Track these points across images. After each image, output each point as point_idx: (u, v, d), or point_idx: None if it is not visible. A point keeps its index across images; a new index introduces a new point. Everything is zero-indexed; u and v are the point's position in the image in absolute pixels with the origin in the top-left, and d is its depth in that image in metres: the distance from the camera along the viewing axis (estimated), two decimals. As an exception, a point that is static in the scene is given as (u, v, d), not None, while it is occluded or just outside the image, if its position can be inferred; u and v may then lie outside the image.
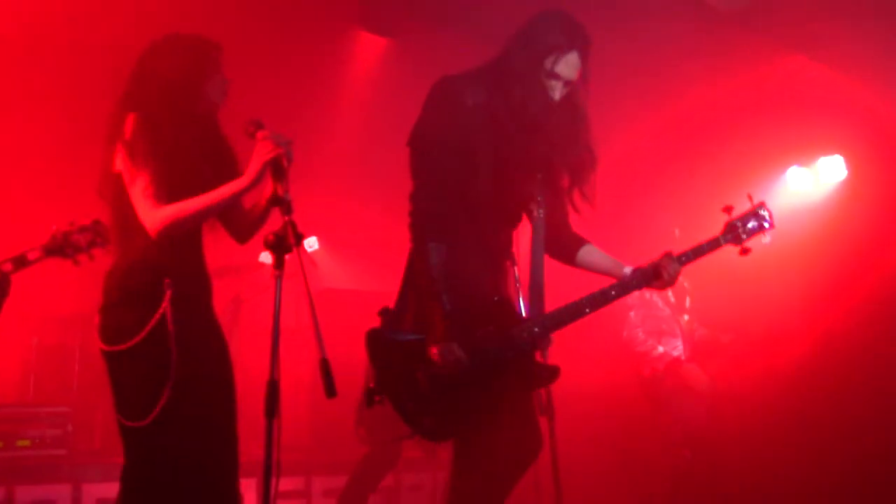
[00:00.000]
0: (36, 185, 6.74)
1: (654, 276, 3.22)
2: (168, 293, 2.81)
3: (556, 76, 3.14)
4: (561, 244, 3.42)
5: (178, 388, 2.79)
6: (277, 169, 2.71)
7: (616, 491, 6.00)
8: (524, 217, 3.35)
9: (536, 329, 3.11)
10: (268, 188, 2.86)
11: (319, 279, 7.73)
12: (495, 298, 3.15)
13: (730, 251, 3.36)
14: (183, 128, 2.94)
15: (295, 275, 2.52)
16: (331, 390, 2.30)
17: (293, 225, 2.49)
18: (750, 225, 3.35)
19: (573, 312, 3.15)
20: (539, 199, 3.28)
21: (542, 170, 3.28)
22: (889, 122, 6.14)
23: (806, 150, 6.67)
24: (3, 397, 6.25)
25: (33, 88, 6.36)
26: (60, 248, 2.80)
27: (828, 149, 6.61)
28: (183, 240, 2.92)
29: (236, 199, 2.84)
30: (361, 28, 6.02)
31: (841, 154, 6.56)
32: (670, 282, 3.22)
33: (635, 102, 6.66)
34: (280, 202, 2.58)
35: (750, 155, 6.64)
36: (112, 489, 5.19)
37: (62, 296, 6.12)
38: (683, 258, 3.26)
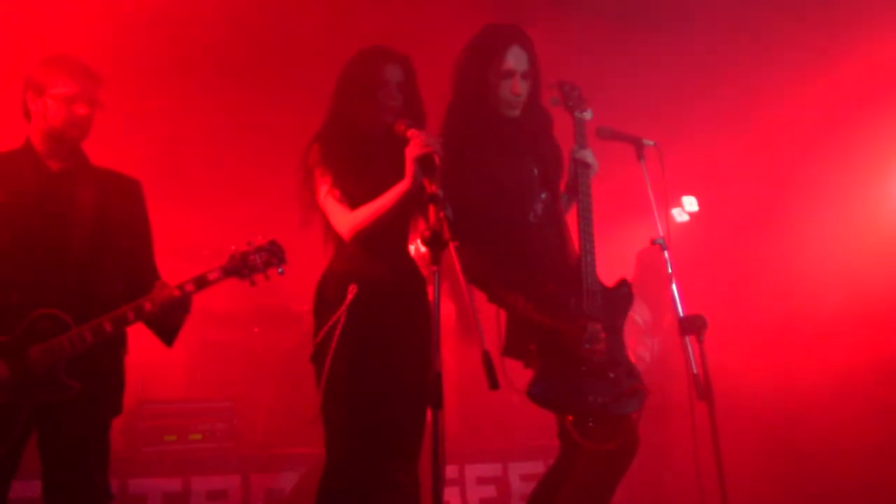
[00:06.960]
0: (217, 204, 7.07)
1: None
2: (348, 300, 3.04)
3: (509, 71, 3.30)
4: None
5: (349, 390, 3.03)
6: (428, 166, 2.78)
7: (783, 489, 5.68)
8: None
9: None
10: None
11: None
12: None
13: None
14: (361, 140, 3.16)
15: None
16: (494, 382, 2.33)
17: (448, 220, 2.53)
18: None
19: None
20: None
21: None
22: None
23: None
24: (173, 393, 6.64)
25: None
26: (238, 268, 2.95)
27: None
28: (375, 248, 3.12)
29: (406, 198, 2.96)
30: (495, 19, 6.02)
31: None
32: None
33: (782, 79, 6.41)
34: (433, 199, 2.63)
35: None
36: (278, 479, 5.45)
37: (224, 294, 6.42)
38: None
